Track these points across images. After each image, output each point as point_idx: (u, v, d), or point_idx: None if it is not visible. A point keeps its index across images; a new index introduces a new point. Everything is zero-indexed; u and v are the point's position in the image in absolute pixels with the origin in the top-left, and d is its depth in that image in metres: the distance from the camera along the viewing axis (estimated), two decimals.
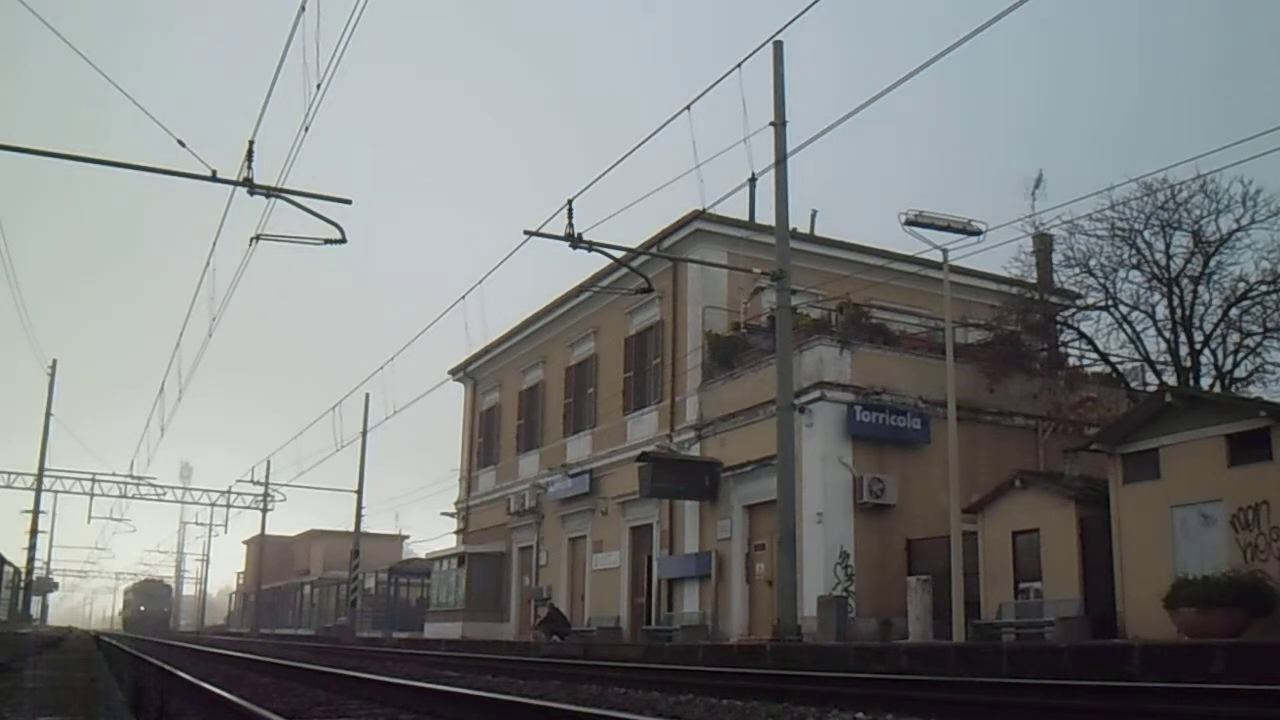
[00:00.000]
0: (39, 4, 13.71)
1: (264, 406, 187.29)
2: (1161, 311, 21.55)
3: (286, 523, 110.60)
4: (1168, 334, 21.52)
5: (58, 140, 60.13)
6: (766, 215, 21.03)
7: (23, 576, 42.12)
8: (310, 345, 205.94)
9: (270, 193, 13.54)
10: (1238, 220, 20.62)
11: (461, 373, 39.80)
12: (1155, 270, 21.36)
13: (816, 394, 21.64)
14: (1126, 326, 22.02)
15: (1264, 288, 20.64)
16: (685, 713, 8.64)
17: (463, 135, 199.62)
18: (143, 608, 77.42)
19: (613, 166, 15.58)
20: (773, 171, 18.40)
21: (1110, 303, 22.09)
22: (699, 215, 25.17)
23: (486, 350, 35.86)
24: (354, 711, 8.79)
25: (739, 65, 14.22)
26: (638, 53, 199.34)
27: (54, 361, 44.36)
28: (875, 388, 22.15)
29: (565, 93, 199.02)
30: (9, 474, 45.88)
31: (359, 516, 42.44)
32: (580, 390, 31.81)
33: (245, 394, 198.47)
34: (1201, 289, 21.15)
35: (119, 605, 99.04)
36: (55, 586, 67.78)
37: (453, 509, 40.47)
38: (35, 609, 53.15)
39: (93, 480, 47.16)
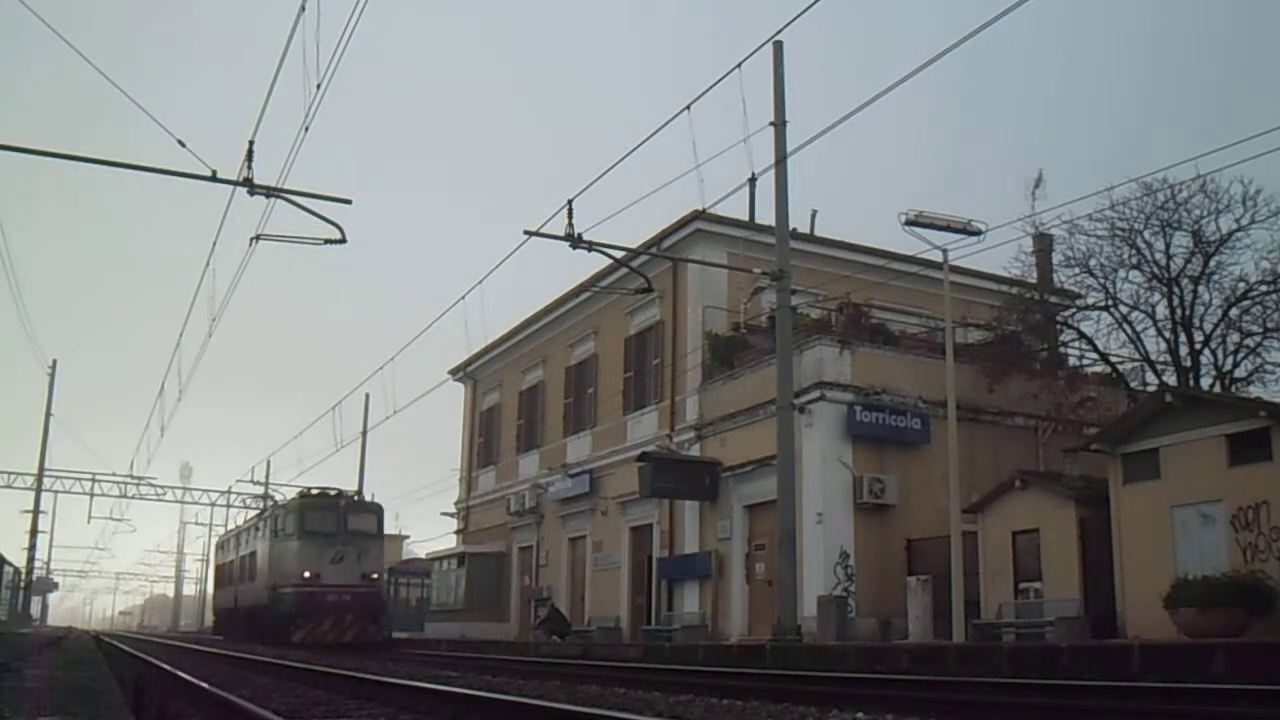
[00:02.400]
0: (40, 5, 13.73)
1: (264, 406, 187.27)
2: (1161, 311, 21.56)
3: None
4: (1168, 334, 21.51)
5: (58, 140, 60.07)
6: (766, 215, 21.06)
7: (23, 576, 42.17)
8: (310, 345, 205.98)
9: (270, 193, 13.56)
10: (1238, 220, 20.63)
11: (461, 373, 39.79)
12: (1155, 270, 21.36)
13: (816, 394, 21.63)
14: (1126, 326, 22.03)
15: (1264, 288, 20.63)
16: (685, 713, 8.64)
17: (462, 135, 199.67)
18: (309, 572, 29.40)
19: (613, 166, 15.61)
20: (773, 171, 18.40)
21: (1110, 303, 22.09)
22: (699, 215, 25.16)
23: (486, 350, 35.88)
24: (354, 711, 8.78)
25: (739, 65, 14.24)
26: (638, 53, 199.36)
27: (54, 361, 44.52)
28: (875, 388, 22.14)
29: (565, 93, 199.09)
30: (9, 474, 45.98)
31: None
32: (580, 390, 31.80)
33: (245, 394, 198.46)
34: (1201, 289, 21.15)
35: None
36: (55, 586, 67.86)
37: (453, 509, 40.48)
38: (35, 609, 53.21)
39: (93, 480, 47.22)
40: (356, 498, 34.58)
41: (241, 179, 13.39)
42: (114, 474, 47.31)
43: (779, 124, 18.21)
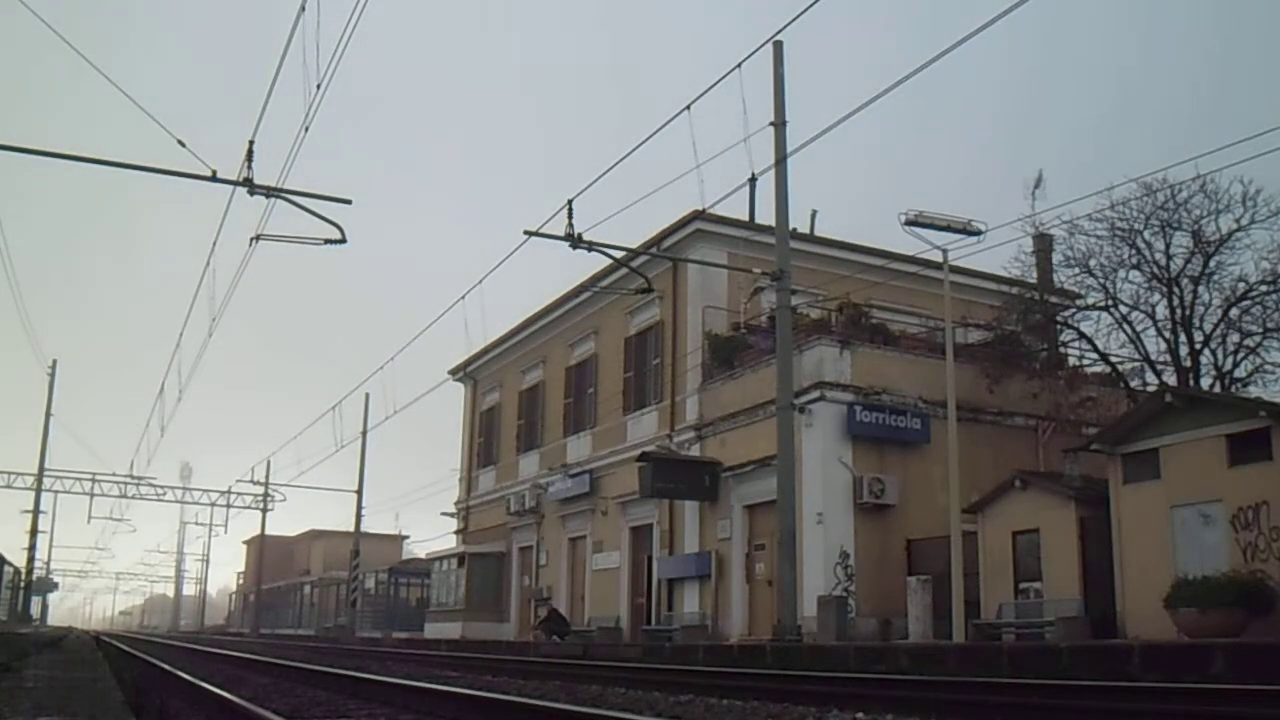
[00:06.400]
0: (39, 4, 13.73)
1: (264, 406, 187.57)
2: (1161, 311, 21.54)
3: (286, 523, 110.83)
4: (1168, 334, 21.49)
5: (58, 140, 60.16)
6: (766, 215, 21.04)
7: (23, 576, 42.13)
8: (310, 345, 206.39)
9: (270, 193, 13.55)
10: (1238, 220, 20.61)
11: (461, 373, 39.78)
12: (1155, 270, 21.34)
13: (816, 394, 21.62)
14: (1126, 326, 22.02)
15: (1264, 288, 20.61)
16: (685, 713, 8.64)
17: (463, 135, 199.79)
18: None
19: (613, 166, 15.59)
20: (773, 171, 18.40)
21: (1110, 303, 22.08)
22: (699, 215, 25.16)
23: (486, 350, 35.85)
24: (354, 711, 8.79)
25: (739, 65, 14.24)
26: (638, 52, 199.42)
27: (54, 361, 44.44)
28: (875, 388, 22.13)
29: (566, 92, 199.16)
30: (9, 474, 45.97)
31: (359, 516, 42.50)
32: (580, 390, 31.80)
33: (245, 394, 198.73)
34: (1201, 289, 21.13)
35: None
36: (55, 586, 67.75)
37: (453, 509, 40.47)
38: (35, 609, 53.13)
39: (93, 480, 47.23)
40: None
41: (241, 179, 13.38)
42: (114, 474, 47.36)
43: (779, 124, 18.21)
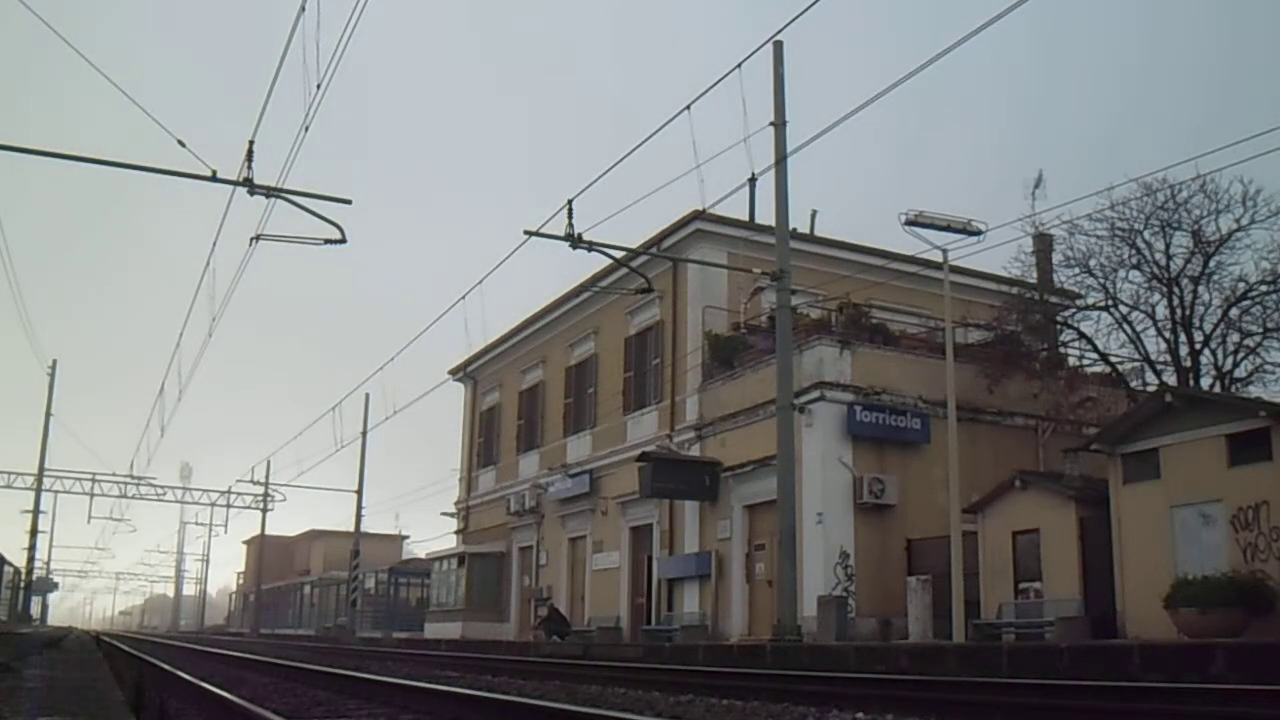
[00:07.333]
0: (40, 5, 13.72)
1: (264, 406, 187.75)
2: (1161, 311, 21.54)
3: (286, 523, 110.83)
4: (1168, 334, 21.49)
5: (58, 140, 60.20)
6: (766, 215, 21.04)
7: (23, 576, 42.14)
8: (310, 345, 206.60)
9: (270, 193, 13.54)
10: (1238, 220, 20.61)
11: (461, 373, 39.77)
12: (1155, 270, 21.34)
13: (816, 394, 21.62)
14: (1126, 326, 22.01)
15: (1264, 288, 20.61)
16: (685, 713, 8.64)
17: (463, 135, 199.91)
18: None
19: (613, 166, 15.60)
20: (773, 171, 18.40)
21: (1110, 303, 22.07)
22: (699, 215, 25.16)
23: (486, 350, 35.87)
24: (354, 711, 8.79)
25: (739, 65, 14.24)
26: (638, 53, 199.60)
27: (54, 361, 44.41)
28: (875, 388, 22.13)
29: (566, 92, 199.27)
30: (9, 474, 45.93)
31: (359, 516, 42.49)
32: (580, 390, 31.79)
33: (245, 394, 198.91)
34: (1201, 289, 21.12)
35: None
36: (55, 586, 67.72)
37: (453, 509, 40.46)
38: (35, 609, 53.14)
39: (93, 480, 47.22)
40: None
41: (241, 179, 13.37)
42: (114, 474, 47.32)
43: (779, 124, 18.20)
